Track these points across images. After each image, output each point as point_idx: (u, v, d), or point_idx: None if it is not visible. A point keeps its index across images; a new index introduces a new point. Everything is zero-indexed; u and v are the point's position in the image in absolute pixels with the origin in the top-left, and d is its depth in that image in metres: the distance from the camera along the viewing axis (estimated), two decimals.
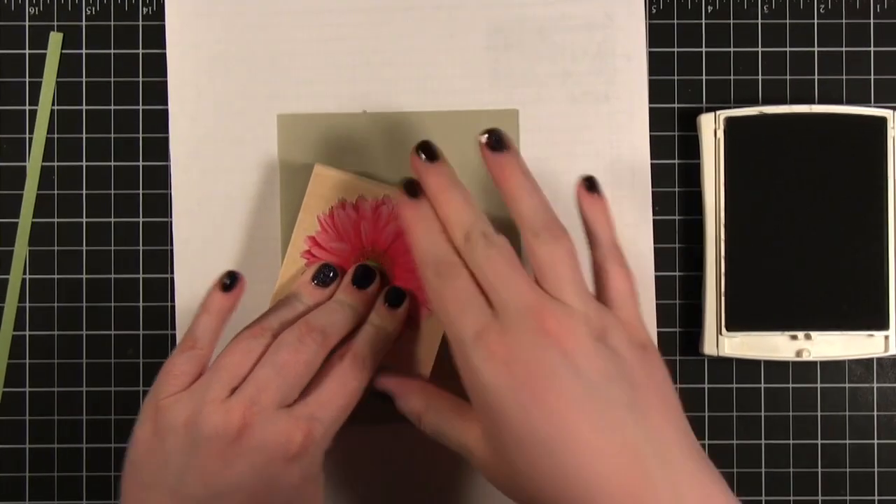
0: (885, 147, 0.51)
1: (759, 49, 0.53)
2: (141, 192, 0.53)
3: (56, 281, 0.53)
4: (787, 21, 0.53)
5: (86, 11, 0.53)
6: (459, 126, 0.52)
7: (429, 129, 0.52)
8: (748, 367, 0.53)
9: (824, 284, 0.51)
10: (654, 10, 0.54)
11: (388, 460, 0.53)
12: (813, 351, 0.51)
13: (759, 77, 0.53)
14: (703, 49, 0.54)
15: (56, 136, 0.53)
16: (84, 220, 0.53)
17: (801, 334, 0.51)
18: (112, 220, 0.53)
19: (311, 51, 0.53)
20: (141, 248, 0.53)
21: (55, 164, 0.53)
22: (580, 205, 0.46)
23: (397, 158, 0.52)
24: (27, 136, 0.53)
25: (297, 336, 0.45)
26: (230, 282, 0.48)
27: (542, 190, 0.44)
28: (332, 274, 0.49)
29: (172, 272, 0.53)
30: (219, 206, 0.53)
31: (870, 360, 0.53)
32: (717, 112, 0.51)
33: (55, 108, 0.53)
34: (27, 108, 0.53)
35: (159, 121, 0.53)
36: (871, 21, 0.53)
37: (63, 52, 0.53)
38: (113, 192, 0.53)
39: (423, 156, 0.45)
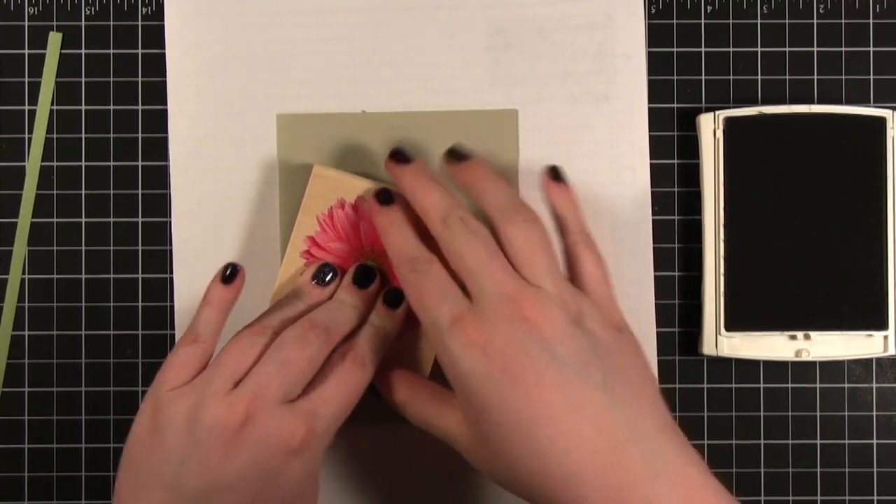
0: (884, 147, 0.51)
1: (759, 49, 0.53)
2: (140, 192, 0.53)
3: (55, 281, 0.53)
4: (787, 21, 0.53)
5: (85, 11, 0.53)
6: (459, 126, 0.52)
7: (429, 129, 0.52)
8: (747, 367, 0.53)
9: (824, 284, 0.51)
10: (654, 10, 0.54)
11: (388, 460, 0.53)
12: (812, 351, 0.51)
13: (759, 77, 0.53)
14: (703, 49, 0.54)
15: (55, 136, 0.53)
16: (83, 220, 0.53)
17: (800, 334, 0.51)
18: (111, 220, 0.53)
19: (311, 51, 0.53)
20: (140, 248, 0.53)
21: (54, 163, 0.53)
22: (547, 194, 0.47)
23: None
24: (26, 136, 0.53)
25: (300, 333, 0.45)
26: (231, 273, 0.47)
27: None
28: (331, 273, 0.49)
29: (172, 272, 0.53)
30: (219, 206, 0.53)
31: (869, 360, 0.53)
32: (717, 112, 0.52)
33: (54, 108, 0.53)
34: (26, 108, 0.53)
35: (159, 121, 0.53)
36: (871, 21, 0.53)
37: (62, 52, 0.53)
38: (112, 192, 0.53)
39: (397, 161, 0.47)
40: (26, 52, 0.53)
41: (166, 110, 0.53)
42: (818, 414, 0.53)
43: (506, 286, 0.42)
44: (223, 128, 0.53)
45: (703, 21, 0.54)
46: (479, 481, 0.52)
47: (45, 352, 0.53)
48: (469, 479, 0.53)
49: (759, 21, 0.54)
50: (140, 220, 0.53)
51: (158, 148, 0.53)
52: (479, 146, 0.52)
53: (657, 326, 0.53)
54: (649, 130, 0.53)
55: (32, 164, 0.53)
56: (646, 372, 0.43)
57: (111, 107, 0.53)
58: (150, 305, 0.53)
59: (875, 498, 0.53)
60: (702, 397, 0.53)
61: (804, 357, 0.51)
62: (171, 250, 0.53)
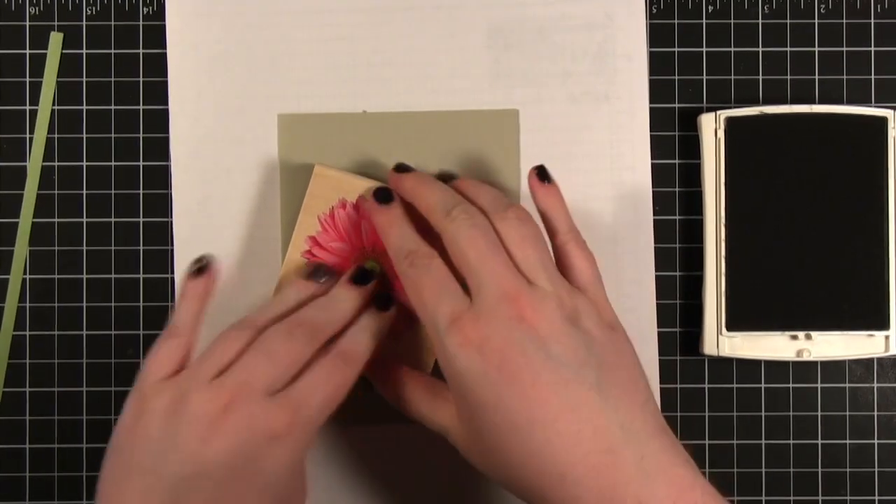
0: (885, 147, 0.51)
1: (760, 49, 0.53)
2: (141, 192, 0.53)
3: (56, 281, 0.53)
4: (788, 21, 0.53)
5: (86, 11, 0.53)
6: (459, 126, 0.52)
7: (429, 129, 0.52)
8: (748, 367, 0.53)
9: (824, 284, 0.51)
10: (655, 10, 0.54)
11: (387, 460, 0.53)
12: (813, 351, 0.51)
13: (760, 77, 0.53)
14: (704, 49, 0.54)
15: (56, 136, 0.53)
16: (84, 220, 0.53)
17: (801, 334, 0.51)
18: (112, 220, 0.53)
19: (311, 51, 0.53)
20: (141, 248, 0.53)
21: (55, 164, 0.53)
22: (534, 195, 0.47)
23: (397, 158, 0.52)
24: (27, 136, 0.53)
25: (286, 328, 0.45)
26: (200, 267, 0.47)
27: None
28: (325, 275, 0.49)
29: (172, 272, 0.53)
30: (219, 206, 0.53)
31: (870, 360, 0.53)
32: (718, 112, 0.51)
33: (55, 108, 0.53)
34: (27, 108, 0.53)
35: (159, 121, 0.53)
36: (872, 21, 0.53)
37: (63, 52, 0.53)
38: (113, 192, 0.53)
39: (399, 171, 0.49)
40: (27, 52, 0.53)
41: (167, 110, 0.53)
42: (819, 414, 0.53)
43: (505, 283, 0.42)
44: (224, 128, 0.53)
45: (704, 21, 0.54)
46: (478, 482, 0.52)
47: (47, 352, 0.53)
48: (469, 479, 0.53)
49: (760, 21, 0.53)
50: (141, 220, 0.53)
51: (159, 148, 0.53)
52: (479, 146, 0.52)
53: (658, 326, 0.53)
54: (650, 130, 0.53)
55: (33, 164, 0.53)
56: (638, 371, 0.43)
57: (112, 107, 0.53)
58: (151, 305, 0.53)
59: (876, 498, 0.53)
60: (703, 397, 0.53)
61: (805, 357, 0.51)
62: (171, 250, 0.53)
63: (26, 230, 0.53)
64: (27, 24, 0.53)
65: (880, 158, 0.51)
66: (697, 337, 0.52)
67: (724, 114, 0.51)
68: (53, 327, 0.53)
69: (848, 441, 0.53)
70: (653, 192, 0.53)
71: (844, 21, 0.53)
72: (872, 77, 0.53)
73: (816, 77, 0.53)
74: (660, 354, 0.53)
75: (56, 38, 0.53)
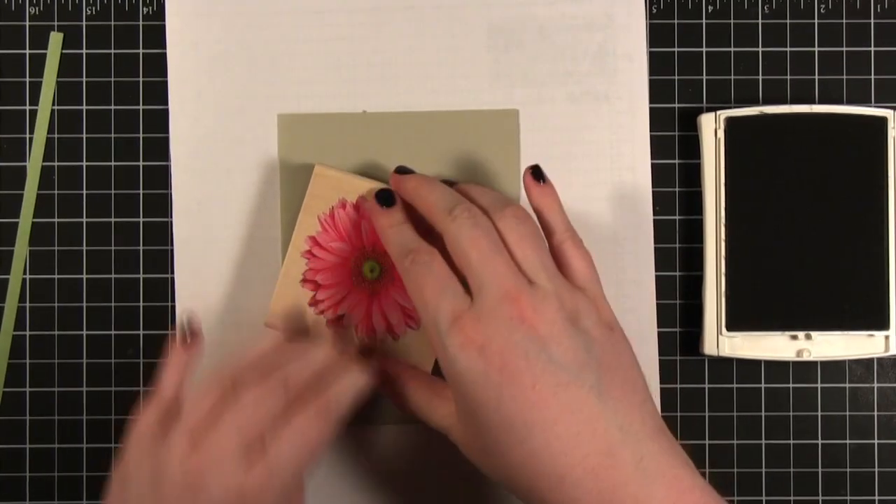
0: (885, 147, 0.51)
1: (760, 49, 0.53)
2: (141, 192, 0.53)
3: (56, 281, 0.53)
4: (788, 21, 0.53)
5: (86, 11, 0.53)
6: (459, 126, 0.52)
7: (429, 129, 0.52)
8: (748, 367, 0.53)
9: (824, 284, 0.51)
10: (655, 10, 0.54)
11: (387, 460, 0.53)
12: (813, 351, 0.51)
13: (760, 77, 0.53)
14: (704, 49, 0.54)
15: (56, 136, 0.53)
16: (84, 220, 0.53)
17: (801, 334, 0.51)
18: (112, 220, 0.53)
19: (311, 51, 0.53)
20: (141, 248, 0.53)
21: (55, 164, 0.53)
22: (529, 195, 0.47)
23: (397, 158, 0.52)
24: (27, 136, 0.53)
25: (258, 387, 0.44)
26: (190, 332, 0.47)
27: None
28: (304, 324, 0.49)
29: (172, 272, 0.53)
30: (219, 206, 0.53)
31: (870, 360, 0.53)
32: (718, 112, 0.51)
33: (55, 108, 0.53)
34: (27, 108, 0.53)
35: (159, 121, 0.53)
36: (872, 21, 0.53)
37: (63, 52, 0.53)
38: (113, 192, 0.53)
39: (401, 174, 0.48)
40: (27, 52, 0.53)
41: (167, 110, 0.53)
42: (819, 414, 0.53)
43: (506, 283, 0.42)
44: (224, 128, 0.53)
45: (704, 21, 0.54)
46: (478, 483, 0.52)
47: (47, 352, 0.53)
48: (469, 480, 0.53)
49: (760, 21, 0.53)
50: (141, 220, 0.53)
51: (159, 148, 0.53)
52: (479, 146, 0.52)
53: (658, 326, 0.53)
54: (650, 130, 0.53)
55: (33, 165, 0.53)
56: (636, 372, 0.43)
57: (112, 107, 0.53)
58: (151, 305, 0.53)
59: (876, 498, 0.53)
60: (703, 397, 0.53)
61: (805, 357, 0.51)
62: (171, 250, 0.53)
63: (26, 230, 0.53)
64: (27, 24, 0.53)
65: (880, 158, 0.51)
66: (697, 337, 0.52)
67: (724, 114, 0.51)
68: (53, 327, 0.53)
69: (848, 441, 0.53)
70: (653, 192, 0.53)
71: (844, 21, 0.53)
72: (872, 77, 0.53)
73: (816, 77, 0.53)
74: (660, 354, 0.53)
75: (56, 38, 0.53)
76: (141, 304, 0.53)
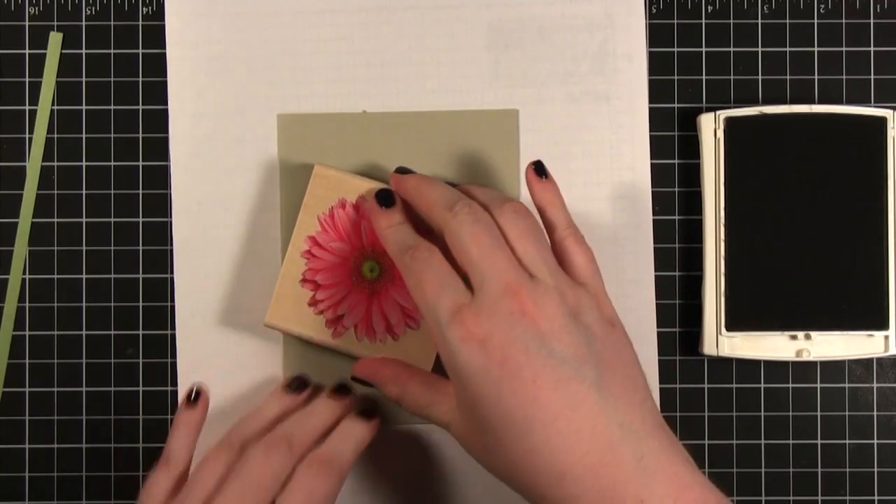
0: (885, 147, 0.51)
1: (759, 49, 0.53)
2: (141, 192, 0.53)
3: (56, 281, 0.53)
4: (787, 21, 0.53)
5: (86, 11, 0.53)
6: (459, 126, 0.52)
7: (429, 129, 0.52)
8: (748, 367, 0.53)
9: (824, 284, 0.51)
10: (654, 10, 0.54)
11: (386, 460, 0.53)
12: (813, 351, 0.51)
13: (759, 77, 0.53)
14: (703, 49, 0.54)
15: (56, 136, 0.53)
16: (84, 220, 0.53)
17: (800, 334, 0.51)
18: (112, 220, 0.53)
19: (311, 51, 0.53)
20: (141, 248, 0.53)
21: (55, 164, 0.53)
22: (531, 191, 0.48)
23: (397, 158, 0.52)
24: (27, 136, 0.53)
25: (262, 449, 0.46)
26: (195, 395, 0.49)
27: None
28: (303, 388, 0.50)
29: (172, 272, 0.53)
30: (219, 206, 0.53)
31: (870, 360, 0.53)
32: (717, 112, 0.51)
33: (55, 108, 0.53)
34: (27, 108, 0.53)
35: (159, 121, 0.53)
36: (871, 21, 0.53)
37: (63, 52, 0.53)
38: (113, 192, 0.53)
39: (401, 174, 0.49)
40: (27, 52, 0.53)
41: (167, 110, 0.53)
42: (819, 414, 0.53)
43: (507, 277, 0.42)
44: (224, 128, 0.53)
45: (703, 21, 0.54)
46: (479, 483, 0.52)
47: (46, 352, 0.53)
48: (469, 480, 0.53)
49: (759, 21, 0.53)
50: (140, 220, 0.53)
51: (159, 148, 0.53)
52: (479, 146, 0.52)
53: (658, 326, 0.53)
54: (650, 130, 0.53)
55: (33, 165, 0.53)
56: (637, 368, 0.43)
57: (112, 107, 0.53)
58: (151, 305, 0.53)
59: (876, 498, 0.53)
60: (702, 397, 0.53)
61: (805, 357, 0.51)
62: (171, 250, 0.53)
63: (26, 230, 0.53)
64: (27, 24, 0.53)
65: (880, 158, 0.51)
66: (697, 337, 0.52)
67: (724, 114, 0.51)
68: (53, 327, 0.53)
69: (847, 441, 0.53)
70: (653, 192, 0.53)
71: (844, 21, 0.53)
72: (872, 77, 0.53)
73: (816, 77, 0.53)
74: (659, 354, 0.53)
75: (56, 38, 0.53)
76: (141, 304, 0.53)
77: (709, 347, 0.52)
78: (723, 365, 0.53)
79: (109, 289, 0.53)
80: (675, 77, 0.53)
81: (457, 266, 0.44)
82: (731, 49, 0.53)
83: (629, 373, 0.43)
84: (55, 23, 0.53)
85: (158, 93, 0.53)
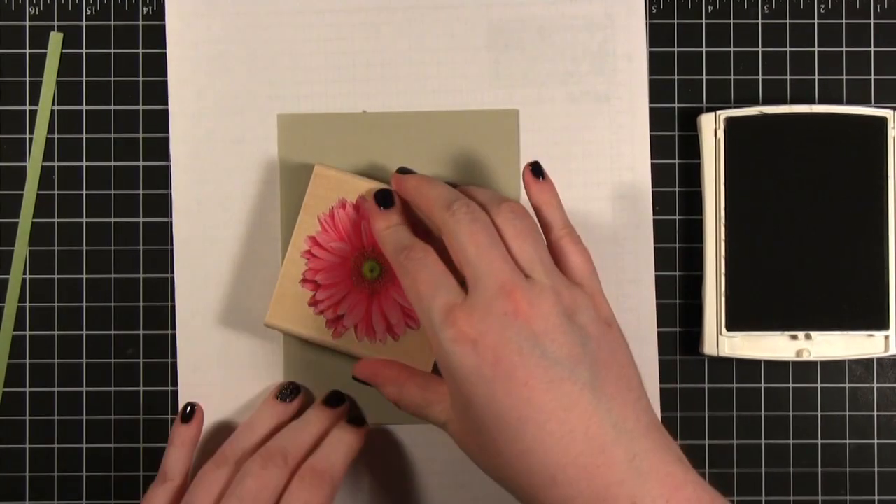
0: (885, 147, 0.51)
1: (760, 49, 0.53)
2: (141, 192, 0.53)
3: (56, 281, 0.53)
4: (788, 21, 0.53)
5: (86, 11, 0.53)
6: (459, 126, 0.52)
7: (429, 129, 0.52)
8: (748, 367, 0.53)
9: (824, 284, 0.51)
10: (655, 10, 0.54)
11: (386, 460, 0.53)
12: (813, 351, 0.51)
13: (760, 77, 0.53)
14: (704, 49, 0.54)
15: (56, 136, 0.53)
16: (84, 220, 0.53)
17: (801, 334, 0.51)
18: (112, 220, 0.53)
19: (311, 51, 0.53)
20: (141, 248, 0.53)
21: (55, 164, 0.53)
22: (528, 191, 0.48)
23: (397, 158, 0.52)
24: (27, 136, 0.53)
25: (258, 464, 0.46)
26: (190, 412, 0.51)
27: None
28: (294, 392, 0.51)
29: (172, 272, 0.53)
30: (219, 206, 0.53)
31: (870, 360, 0.53)
32: (718, 112, 0.51)
33: (55, 108, 0.53)
34: (27, 108, 0.53)
35: (159, 121, 0.53)
36: (872, 21, 0.53)
37: (63, 52, 0.53)
38: (113, 192, 0.53)
39: (402, 174, 0.49)
40: (27, 52, 0.53)
41: (167, 110, 0.53)
42: (819, 414, 0.53)
43: (501, 277, 0.42)
44: (224, 128, 0.53)
45: (703, 21, 0.54)
46: (477, 483, 0.52)
47: (47, 352, 0.53)
48: (468, 480, 0.53)
49: (759, 21, 0.53)
50: (141, 220, 0.53)
51: (159, 148, 0.53)
52: (479, 146, 0.52)
53: (658, 326, 0.53)
54: (650, 130, 0.53)
55: (33, 165, 0.53)
56: (631, 369, 0.43)
57: (112, 107, 0.53)
58: (151, 305, 0.53)
59: (876, 498, 0.53)
60: (702, 397, 0.53)
61: (805, 357, 0.51)
62: (171, 250, 0.53)
63: (26, 230, 0.53)
64: (27, 24, 0.53)
65: (880, 158, 0.51)
66: (697, 337, 0.52)
67: (724, 114, 0.51)
68: (53, 327, 0.53)
69: (848, 441, 0.53)
70: (653, 192, 0.53)
71: (844, 21, 0.53)
72: (872, 77, 0.53)
73: (816, 77, 0.53)
74: (659, 354, 0.53)
75: (56, 38, 0.53)
76: (141, 304, 0.53)
77: (709, 347, 0.52)
78: (723, 365, 0.53)
79: (110, 289, 0.53)
80: (676, 77, 0.53)
81: (453, 267, 0.44)
82: (732, 49, 0.53)
83: (624, 373, 0.43)
84: (55, 23, 0.53)
85: (158, 93, 0.53)
